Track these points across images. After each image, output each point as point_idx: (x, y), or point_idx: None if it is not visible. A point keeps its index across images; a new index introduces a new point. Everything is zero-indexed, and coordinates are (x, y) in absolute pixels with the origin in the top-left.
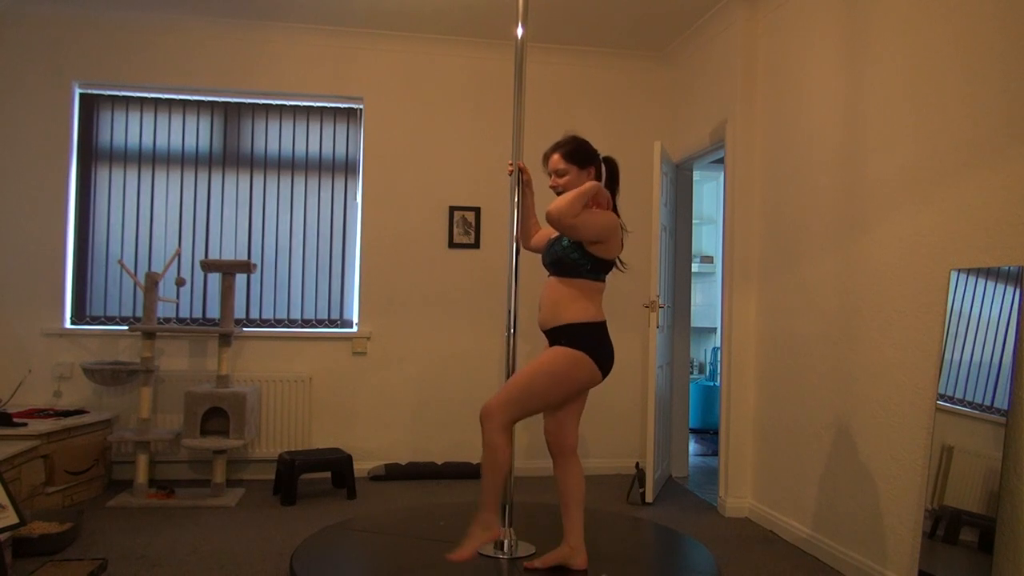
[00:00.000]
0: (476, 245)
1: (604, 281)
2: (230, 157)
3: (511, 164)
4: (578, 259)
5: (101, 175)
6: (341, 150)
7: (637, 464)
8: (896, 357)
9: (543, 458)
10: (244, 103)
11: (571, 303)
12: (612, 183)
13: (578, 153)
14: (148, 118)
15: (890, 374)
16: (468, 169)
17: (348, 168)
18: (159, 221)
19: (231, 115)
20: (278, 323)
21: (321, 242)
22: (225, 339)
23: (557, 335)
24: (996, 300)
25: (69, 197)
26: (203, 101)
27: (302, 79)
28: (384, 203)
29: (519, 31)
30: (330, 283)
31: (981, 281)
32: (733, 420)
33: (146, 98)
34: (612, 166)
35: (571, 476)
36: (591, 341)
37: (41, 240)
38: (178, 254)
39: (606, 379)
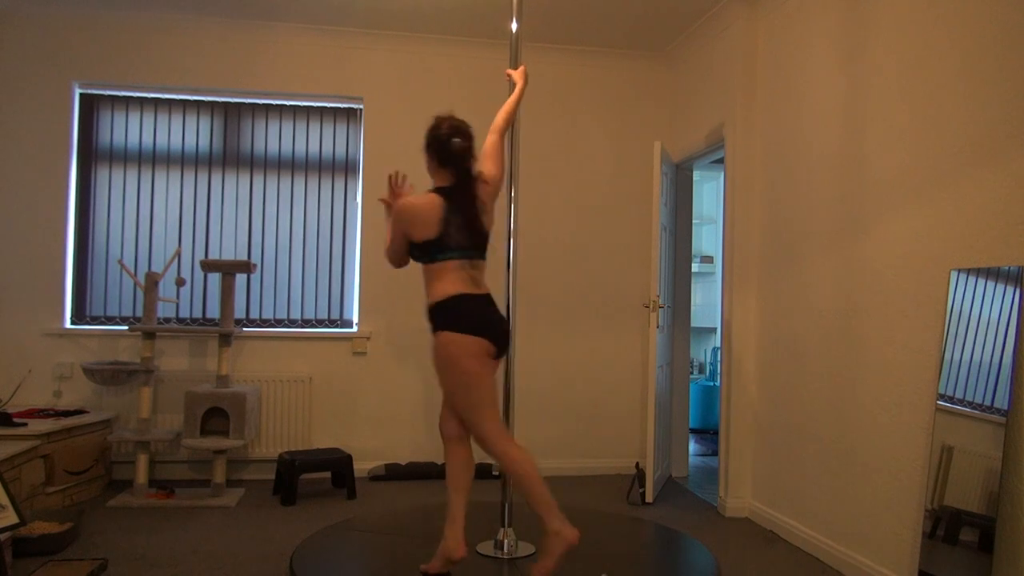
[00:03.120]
0: None
1: (440, 260)
2: (230, 157)
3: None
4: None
5: (101, 175)
6: (341, 150)
7: (637, 464)
8: (896, 357)
9: (543, 458)
10: (244, 103)
11: (427, 291)
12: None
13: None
14: (148, 118)
15: (890, 374)
16: None
17: (348, 168)
18: (159, 221)
19: (231, 115)
20: (278, 323)
21: (321, 242)
22: (225, 339)
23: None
24: (996, 300)
25: (69, 197)
26: (203, 101)
27: (302, 79)
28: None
29: (513, 26)
30: (330, 283)
31: (981, 281)
32: (733, 420)
33: (146, 98)
34: (436, 136)
35: (464, 462)
36: (441, 318)
37: (41, 240)
38: (178, 254)
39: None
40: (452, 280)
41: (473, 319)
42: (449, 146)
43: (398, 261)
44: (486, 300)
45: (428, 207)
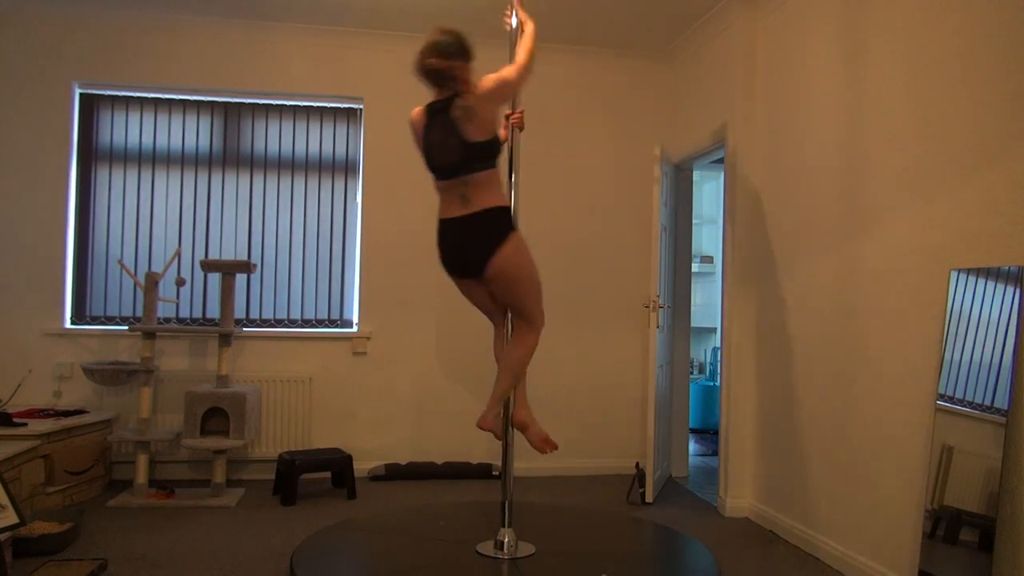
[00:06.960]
0: None
1: (436, 181)
2: (230, 157)
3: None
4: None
5: (101, 175)
6: (341, 150)
7: (637, 464)
8: (896, 357)
9: (543, 458)
10: (244, 103)
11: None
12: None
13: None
14: (148, 118)
15: (890, 374)
16: None
17: (348, 168)
18: (159, 221)
19: (231, 115)
20: (278, 323)
21: (321, 242)
22: (225, 339)
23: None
24: (996, 300)
25: (69, 197)
26: (203, 101)
27: (302, 79)
28: (384, 203)
29: (513, 20)
30: (330, 283)
31: (981, 281)
32: (733, 420)
33: (146, 98)
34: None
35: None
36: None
37: (41, 240)
38: (178, 254)
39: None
40: (440, 202)
41: (439, 247)
42: (421, 67)
43: None
44: (448, 225)
45: (414, 122)
